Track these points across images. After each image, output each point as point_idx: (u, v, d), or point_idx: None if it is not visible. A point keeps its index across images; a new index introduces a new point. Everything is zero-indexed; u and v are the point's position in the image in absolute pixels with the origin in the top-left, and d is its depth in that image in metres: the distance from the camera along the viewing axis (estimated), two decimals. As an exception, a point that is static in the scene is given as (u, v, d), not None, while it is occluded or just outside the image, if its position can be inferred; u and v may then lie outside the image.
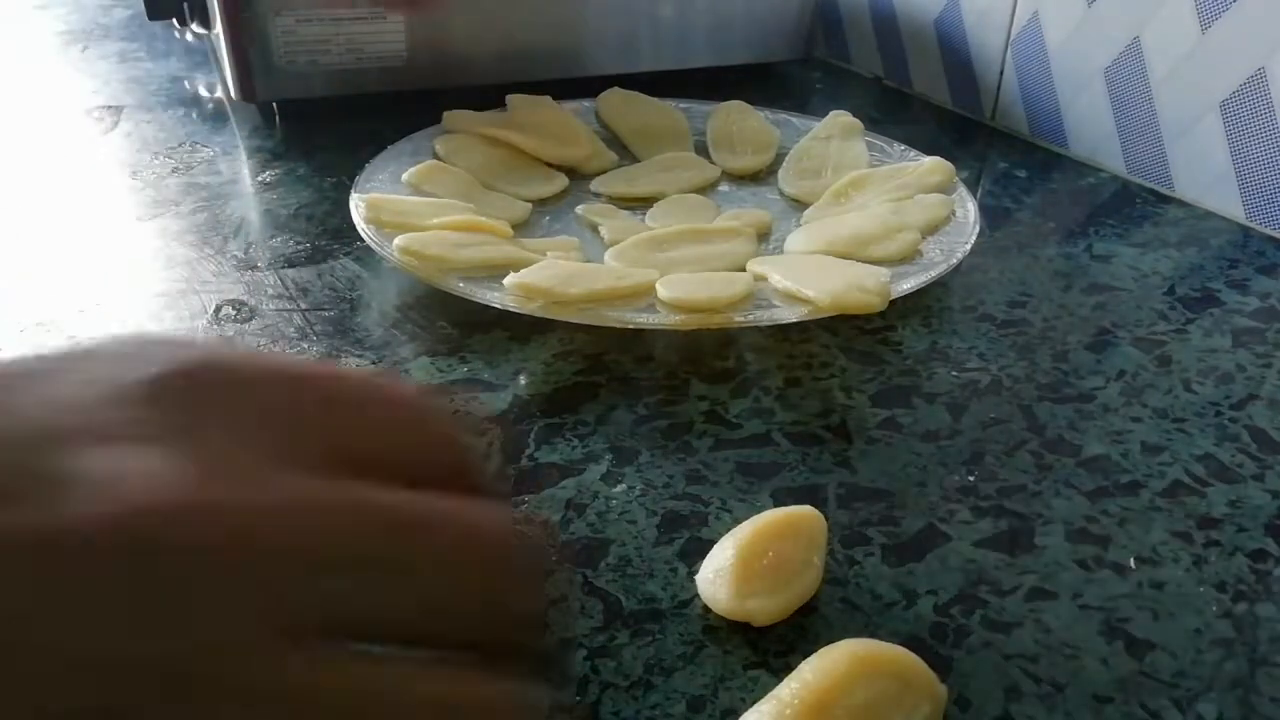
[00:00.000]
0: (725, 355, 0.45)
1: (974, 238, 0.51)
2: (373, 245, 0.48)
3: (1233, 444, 0.40)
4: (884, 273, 0.47)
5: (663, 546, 0.34)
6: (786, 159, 0.63)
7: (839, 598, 0.32)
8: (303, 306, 0.48)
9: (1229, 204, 0.62)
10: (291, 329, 0.46)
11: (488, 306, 0.44)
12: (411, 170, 0.56)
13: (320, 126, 0.69)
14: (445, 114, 0.62)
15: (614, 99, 0.67)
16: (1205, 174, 0.63)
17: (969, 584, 0.33)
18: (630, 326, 0.44)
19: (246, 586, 0.14)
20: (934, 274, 0.48)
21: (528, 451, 0.38)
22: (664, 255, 0.50)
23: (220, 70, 0.73)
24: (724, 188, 0.62)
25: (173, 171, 0.62)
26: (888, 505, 0.36)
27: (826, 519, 0.33)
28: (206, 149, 0.66)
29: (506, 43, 0.73)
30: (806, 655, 0.29)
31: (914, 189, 0.56)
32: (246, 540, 0.14)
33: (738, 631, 0.30)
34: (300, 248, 0.53)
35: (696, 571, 0.32)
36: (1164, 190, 0.65)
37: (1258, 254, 0.57)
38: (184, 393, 0.16)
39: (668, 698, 0.28)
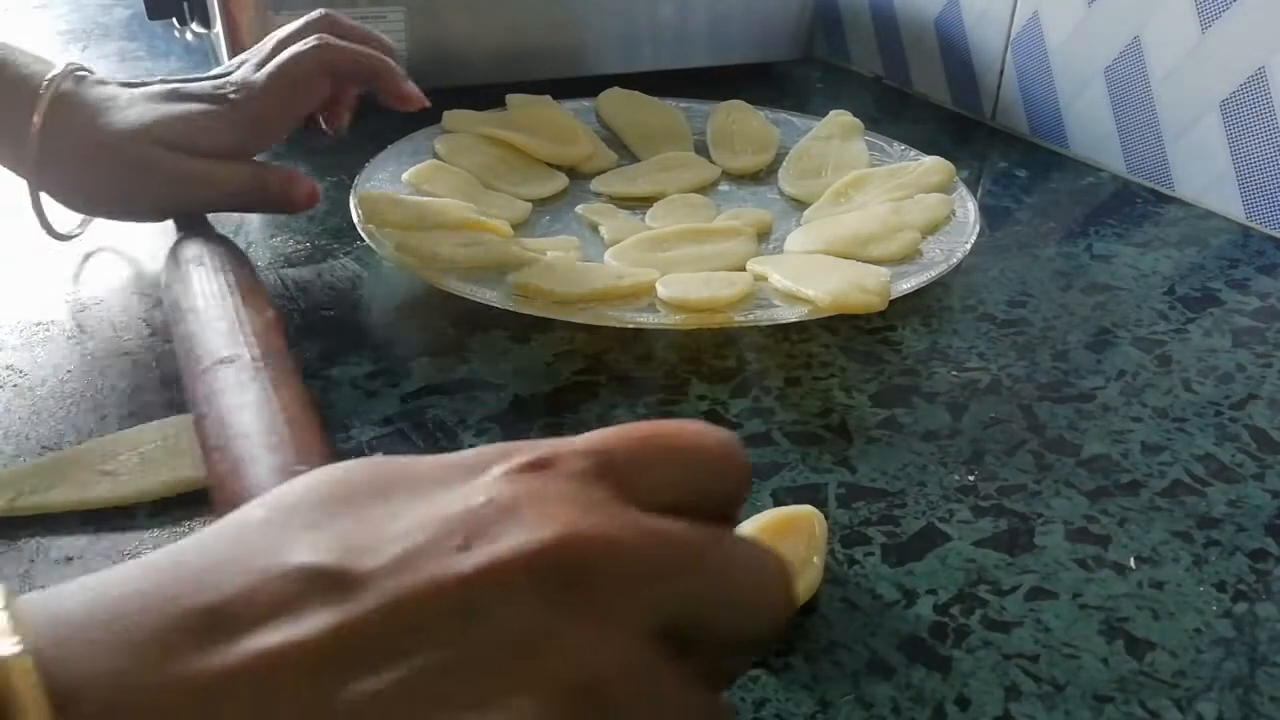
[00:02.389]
0: (725, 355, 0.45)
1: (974, 237, 0.51)
2: (373, 245, 0.48)
3: (1233, 444, 0.40)
4: (884, 272, 0.47)
5: (663, 546, 0.34)
6: (786, 159, 0.63)
7: (839, 598, 0.32)
8: (302, 306, 0.48)
9: (1229, 204, 0.62)
10: (291, 329, 0.45)
11: (488, 306, 0.44)
12: (411, 170, 0.56)
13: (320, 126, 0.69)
14: (445, 114, 0.62)
15: (614, 99, 0.67)
16: (1205, 174, 0.63)
17: (969, 583, 0.33)
18: (630, 326, 0.44)
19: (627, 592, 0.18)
20: (934, 274, 0.48)
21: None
22: (664, 255, 0.50)
23: (220, 70, 0.73)
24: (724, 187, 0.62)
25: (173, 171, 0.62)
26: (888, 505, 0.36)
27: (826, 519, 0.33)
28: (206, 149, 0.66)
29: (506, 42, 0.73)
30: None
31: (914, 189, 0.56)
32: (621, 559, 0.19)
33: (738, 631, 0.30)
34: (300, 247, 0.53)
35: (696, 571, 0.32)
36: (1164, 190, 0.65)
37: (1258, 254, 0.57)
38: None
39: (668, 697, 0.28)
